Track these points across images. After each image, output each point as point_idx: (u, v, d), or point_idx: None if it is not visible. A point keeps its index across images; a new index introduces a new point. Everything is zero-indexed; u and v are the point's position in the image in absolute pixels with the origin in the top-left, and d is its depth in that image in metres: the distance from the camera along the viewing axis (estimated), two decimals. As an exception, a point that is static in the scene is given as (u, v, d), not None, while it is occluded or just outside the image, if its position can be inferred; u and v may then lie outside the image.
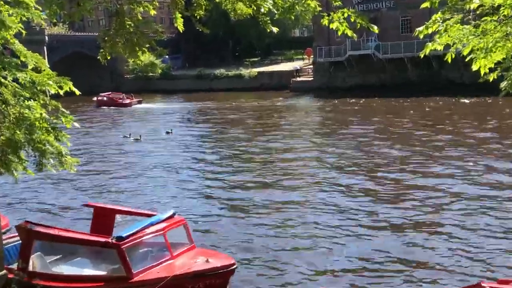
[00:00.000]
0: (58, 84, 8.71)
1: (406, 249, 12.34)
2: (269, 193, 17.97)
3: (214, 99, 56.08)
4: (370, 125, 32.93)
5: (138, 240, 9.96)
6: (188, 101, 56.07)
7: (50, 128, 8.65)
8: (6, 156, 8.49)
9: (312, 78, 60.07)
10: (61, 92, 8.87)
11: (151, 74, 69.95)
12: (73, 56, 69.92)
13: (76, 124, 8.94)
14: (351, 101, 48.04)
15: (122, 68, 71.57)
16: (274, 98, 53.32)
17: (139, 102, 55.04)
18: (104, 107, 52.57)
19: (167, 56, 72.06)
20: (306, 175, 20.33)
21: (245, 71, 64.48)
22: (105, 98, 55.06)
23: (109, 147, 29.41)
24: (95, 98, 53.53)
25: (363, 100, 47.98)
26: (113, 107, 52.60)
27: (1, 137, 8.40)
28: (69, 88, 8.59)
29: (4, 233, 10.25)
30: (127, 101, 55.20)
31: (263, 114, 41.75)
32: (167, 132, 32.72)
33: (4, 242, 9.91)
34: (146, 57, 64.13)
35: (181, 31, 7.67)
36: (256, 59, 76.08)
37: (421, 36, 6.89)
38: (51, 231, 10.18)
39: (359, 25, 6.54)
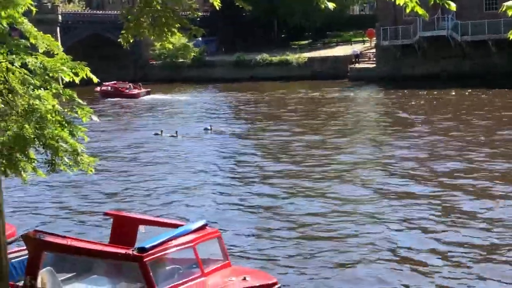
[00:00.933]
0: (73, 71, 8.86)
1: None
2: (321, 203, 17.98)
3: (255, 89, 56.35)
4: (444, 123, 32.47)
5: (163, 253, 10.04)
6: (225, 92, 56.55)
7: (64, 122, 8.79)
8: (13, 154, 8.64)
9: (374, 65, 59.64)
10: (77, 80, 9.01)
11: (181, 60, 70.65)
12: (90, 39, 71.38)
13: (95, 118, 9.06)
14: (421, 93, 47.46)
15: (147, 54, 72.61)
16: (328, 89, 53.20)
17: (148, 93, 55.82)
18: (108, 99, 53.39)
19: (200, 39, 72.56)
20: (367, 182, 20.27)
21: (292, 57, 64.51)
22: (109, 88, 55.89)
23: (134, 145, 29.99)
24: (98, 88, 53.92)
25: (436, 91, 47.33)
26: (119, 98, 53.41)
27: (8, 132, 8.56)
28: (86, 74, 8.70)
29: (10, 243, 10.49)
30: (135, 91, 56.09)
31: (314, 108, 41.73)
32: (206, 129, 33.18)
33: (9, 255, 10.15)
34: (177, 39, 64.93)
35: (217, 8, 7.69)
36: (305, 42, 75.94)
37: (510, 13, 6.72)
38: (64, 242, 10.32)
39: (432, 0, 6.44)
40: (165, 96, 54.71)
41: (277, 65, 64.79)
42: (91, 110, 8.96)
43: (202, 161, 25.05)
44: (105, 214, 12.88)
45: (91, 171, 9.00)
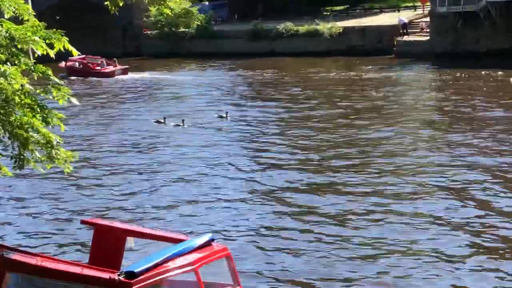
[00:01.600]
0: (47, 41, 8.86)
1: None
2: (361, 211, 18.03)
3: (276, 67, 56.22)
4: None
5: (158, 278, 10.01)
6: (237, 70, 56.49)
7: (35, 106, 8.80)
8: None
9: (427, 37, 59.28)
10: (52, 54, 9.02)
11: (183, 29, 70.64)
12: (68, 3, 71.50)
13: (74, 100, 9.07)
14: (487, 73, 47.09)
15: (140, 22, 72.64)
16: (368, 67, 53.01)
17: (125, 72, 55.62)
18: (76, 77, 53.34)
19: (206, 3, 72.52)
20: (417, 184, 20.37)
21: (323, 26, 64.05)
22: (76, 64, 55.65)
23: (126, 136, 30.27)
24: (62, 64, 53.56)
25: (503, 72, 46.82)
26: (89, 77, 53.40)
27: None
28: (64, 46, 8.71)
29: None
30: (108, 69, 56.04)
31: (351, 92, 41.59)
32: (221, 116, 33.30)
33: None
34: (177, 3, 64.88)
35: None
36: (340, 7, 75.58)
37: None
38: (32, 261, 10.31)
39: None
40: (160, 75, 54.70)
41: (304, 36, 64.37)
42: (69, 90, 8.93)
43: (213, 157, 25.20)
44: (83, 222, 12.80)
45: (68, 168, 8.99)
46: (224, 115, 33.49)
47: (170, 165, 24.55)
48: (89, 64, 56.25)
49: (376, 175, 21.77)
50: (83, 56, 54.08)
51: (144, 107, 39.25)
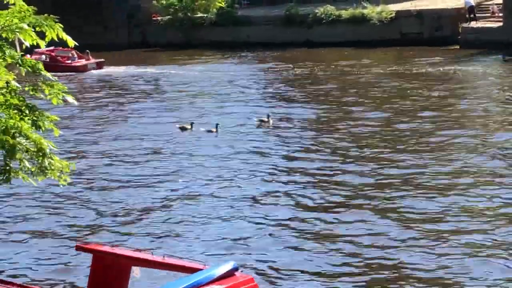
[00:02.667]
0: (37, 29, 8.96)
1: None
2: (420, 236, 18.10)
3: (314, 60, 56.05)
4: None
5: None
6: (267, 63, 56.43)
7: (23, 107, 8.86)
8: None
9: (500, 24, 58.97)
10: (43, 45, 9.14)
11: (200, 15, 70.75)
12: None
13: (71, 99, 9.17)
14: None
15: (148, 5, 72.81)
16: (427, 60, 52.66)
17: (99, 66, 56.06)
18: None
19: (230, -18, 72.51)
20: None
21: (372, 10, 63.82)
22: (43, 57, 55.86)
23: (141, 143, 30.48)
24: (27, 57, 53.34)
25: None
26: (58, 71, 53.63)
27: None
28: (58, 34, 8.79)
29: None
30: (80, 62, 56.78)
31: (406, 91, 41.22)
32: (262, 121, 32.84)
33: None
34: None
35: None
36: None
37: None
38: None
39: None
40: (171, 69, 54.61)
41: (348, 23, 63.96)
42: (65, 87, 9.00)
43: (251, 171, 25.26)
44: (79, 248, 12.90)
45: (64, 181, 9.03)
46: (267, 119, 32.90)
47: (195, 179, 24.67)
48: (58, 57, 56.87)
49: (443, 194, 21.93)
50: (52, 48, 54.73)
51: (155, 108, 39.28)
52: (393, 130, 31.03)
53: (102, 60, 57.21)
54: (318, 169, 25.37)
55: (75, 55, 57.31)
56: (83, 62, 56.82)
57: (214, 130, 31.28)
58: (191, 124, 32.17)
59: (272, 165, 26.29)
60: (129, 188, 23.60)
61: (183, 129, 32.10)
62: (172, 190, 23.30)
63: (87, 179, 24.60)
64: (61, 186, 9.35)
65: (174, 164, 26.78)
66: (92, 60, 56.92)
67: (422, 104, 36.99)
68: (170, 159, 27.53)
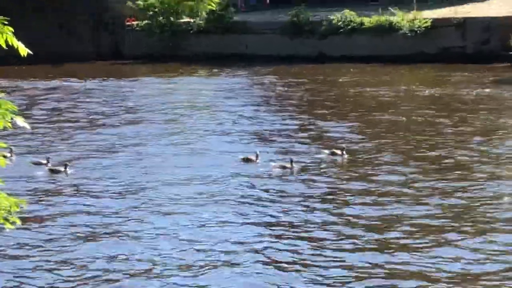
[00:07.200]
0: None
1: None
2: None
3: (328, 81, 56.30)
4: None
5: None
6: (270, 79, 56.69)
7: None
8: None
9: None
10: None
11: (186, 20, 71.14)
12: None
13: (21, 123, 9.19)
14: None
15: (122, 6, 73.18)
16: (471, 81, 52.80)
17: None
18: None
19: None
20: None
21: (401, 18, 64.13)
22: None
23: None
24: None
25: None
26: None
27: None
28: (8, 41, 8.83)
29: None
30: None
31: (448, 119, 41.06)
32: (333, 153, 32.80)
33: None
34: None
35: None
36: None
37: None
38: None
39: None
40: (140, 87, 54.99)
41: (371, 32, 64.26)
42: (14, 107, 9.05)
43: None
44: None
45: (11, 224, 9.02)
46: (341, 152, 32.79)
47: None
48: None
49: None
50: None
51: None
52: (421, 186, 30.95)
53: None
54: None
55: None
56: None
57: (289, 166, 31.51)
58: (256, 155, 32.68)
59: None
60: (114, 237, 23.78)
61: (246, 160, 32.74)
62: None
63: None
64: (7, 229, 9.32)
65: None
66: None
67: (464, 137, 36.84)
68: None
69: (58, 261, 21.96)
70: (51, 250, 22.82)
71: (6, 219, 8.93)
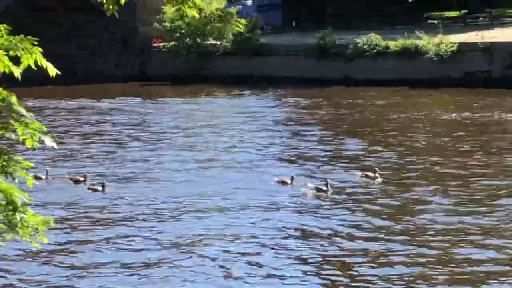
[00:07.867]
0: (10, 53, 9.04)
1: None
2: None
3: (356, 102, 56.06)
4: None
5: None
6: (296, 105, 56.49)
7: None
8: None
9: None
10: (17, 73, 9.21)
11: (212, 42, 71.10)
12: (41, 4, 72.22)
13: (50, 142, 9.28)
14: None
15: (148, 28, 73.19)
16: (497, 106, 52.38)
17: None
18: None
19: (250, 1, 72.61)
20: None
21: (427, 41, 63.89)
22: None
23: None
24: None
25: None
26: None
27: None
28: (37, 61, 8.84)
29: None
30: None
31: (476, 145, 40.68)
32: (367, 176, 32.56)
33: None
34: (206, 2, 65.71)
35: None
36: (454, 14, 75.51)
37: None
38: None
39: None
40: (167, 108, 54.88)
41: (397, 56, 64.21)
42: (43, 127, 9.08)
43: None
44: None
45: (36, 244, 9.01)
46: (376, 175, 32.66)
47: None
48: None
49: None
50: None
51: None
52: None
53: None
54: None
55: None
56: None
57: (325, 188, 31.08)
58: (292, 178, 32.31)
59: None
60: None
61: (282, 183, 32.44)
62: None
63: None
64: (34, 248, 9.34)
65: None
66: None
67: (490, 170, 36.46)
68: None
69: None
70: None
71: (32, 237, 8.87)
